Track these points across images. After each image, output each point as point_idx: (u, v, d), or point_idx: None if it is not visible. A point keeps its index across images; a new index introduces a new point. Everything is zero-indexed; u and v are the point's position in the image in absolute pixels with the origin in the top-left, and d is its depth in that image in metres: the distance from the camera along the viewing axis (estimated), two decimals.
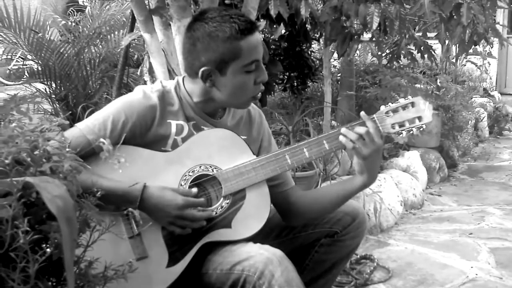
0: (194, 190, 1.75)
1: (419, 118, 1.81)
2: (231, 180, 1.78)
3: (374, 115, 1.82)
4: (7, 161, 1.11)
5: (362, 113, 1.81)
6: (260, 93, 1.85)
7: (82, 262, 1.26)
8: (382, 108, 1.83)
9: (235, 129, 1.92)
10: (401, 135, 1.84)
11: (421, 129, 1.84)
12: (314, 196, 2.02)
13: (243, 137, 1.89)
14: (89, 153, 1.67)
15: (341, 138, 1.79)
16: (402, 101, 1.83)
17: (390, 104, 1.84)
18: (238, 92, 1.79)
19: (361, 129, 1.77)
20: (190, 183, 1.76)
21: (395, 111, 1.82)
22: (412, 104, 1.82)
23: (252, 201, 1.78)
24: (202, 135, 1.82)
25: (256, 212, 1.78)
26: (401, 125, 1.81)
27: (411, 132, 1.83)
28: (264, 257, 1.60)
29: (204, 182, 1.78)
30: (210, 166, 1.78)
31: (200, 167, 1.78)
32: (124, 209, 1.69)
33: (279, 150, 1.84)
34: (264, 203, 1.80)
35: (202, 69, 1.75)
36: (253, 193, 1.79)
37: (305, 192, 2.07)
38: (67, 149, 1.22)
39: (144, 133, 1.77)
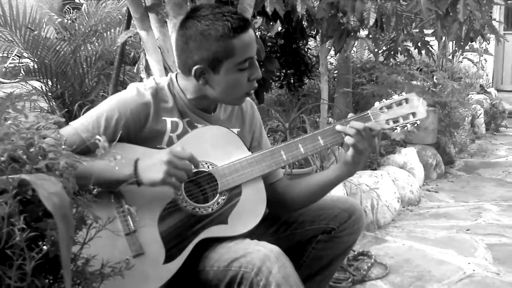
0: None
1: (413, 114, 1.84)
2: (227, 176, 1.78)
3: (369, 111, 1.85)
4: (2, 159, 1.11)
5: (351, 114, 1.84)
6: (253, 89, 1.85)
7: (79, 259, 1.26)
8: (377, 104, 1.86)
9: (228, 122, 1.94)
10: (395, 131, 1.86)
11: (416, 124, 1.86)
12: (298, 188, 2.01)
13: (236, 129, 1.91)
14: (84, 151, 1.67)
15: (338, 128, 1.81)
16: (396, 97, 1.86)
17: (384, 100, 1.87)
18: (231, 90, 1.79)
19: (358, 125, 1.79)
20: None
21: (389, 107, 1.84)
22: (406, 100, 1.84)
23: (248, 197, 1.79)
24: (198, 132, 1.83)
25: (252, 208, 1.78)
26: (395, 121, 1.84)
27: (406, 127, 1.85)
28: (262, 253, 1.60)
29: (199, 179, 1.78)
30: (206, 163, 1.79)
31: None
32: (119, 203, 1.69)
33: (275, 146, 1.84)
34: (260, 199, 1.80)
35: (195, 67, 1.75)
36: (249, 189, 1.79)
37: (290, 182, 2.07)
38: (63, 147, 1.21)
39: (139, 131, 1.77)
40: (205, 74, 1.76)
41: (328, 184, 1.96)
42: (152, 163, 1.64)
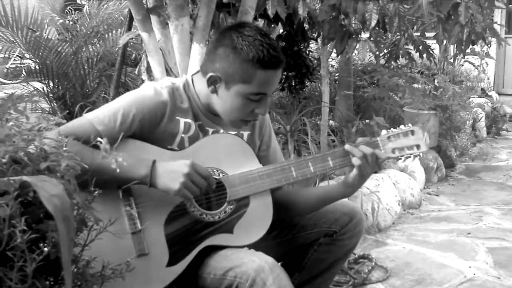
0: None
1: (418, 146, 1.90)
2: (237, 186, 1.78)
3: (378, 138, 1.89)
4: (4, 160, 1.11)
5: (360, 139, 1.88)
6: (253, 121, 1.88)
7: (80, 261, 1.26)
8: (384, 132, 1.91)
9: None
10: (399, 160, 1.92)
11: (418, 156, 1.92)
12: (297, 198, 2.03)
13: (247, 132, 1.91)
14: (96, 144, 1.65)
15: (347, 148, 1.84)
16: (403, 127, 1.91)
17: (392, 129, 1.92)
18: (231, 110, 1.80)
19: (367, 149, 1.82)
20: None
21: (396, 136, 1.90)
22: (412, 132, 1.91)
23: (255, 209, 1.79)
24: (212, 139, 1.84)
25: (258, 220, 1.79)
26: (401, 150, 1.90)
27: (409, 158, 1.91)
28: (256, 264, 1.60)
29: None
30: (217, 170, 1.79)
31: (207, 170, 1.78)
32: (127, 201, 1.69)
33: (286, 162, 1.86)
34: (266, 212, 1.80)
35: (212, 73, 1.76)
36: (256, 201, 1.80)
37: (289, 191, 2.08)
38: (65, 147, 1.21)
39: (153, 129, 1.78)
40: (217, 84, 1.77)
41: (326, 201, 1.98)
42: (171, 171, 1.67)
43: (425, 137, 1.90)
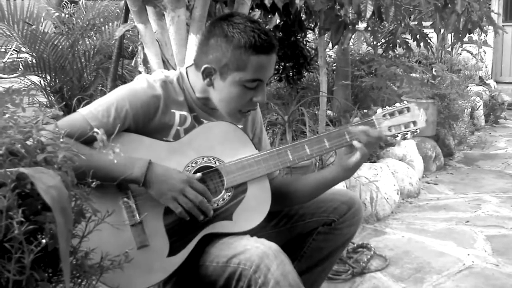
0: (198, 175, 1.75)
1: (414, 123, 1.87)
2: (234, 173, 1.78)
3: (373, 117, 1.86)
4: (1, 152, 1.10)
5: (357, 119, 1.86)
6: (251, 110, 1.86)
7: (79, 252, 1.26)
8: (379, 110, 1.88)
9: None
10: (397, 138, 1.88)
11: (415, 133, 1.89)
12: (294, 186, 2.01)
13: (239, 126, 1.90)
14: (91, 139, 1.64)
15: (345, 130, 1.83)
16: (398, 105, 1.89)
17: (387, 107, 1.89)
18: (229, 101, 1.78)
19: (366, 130, 1.81)
20: (193, 174, 1.76)
21: (392, 114, 1.87)
22: (408, 108, 1.88)
23: (253, 195, 1.79)
24: (206, 127, 1.83)
25: (257, 205, 1.79)
26: (397, 128, 1.87)
27: (406, 135, 1.88)
28: (260, 250, 1.60)
29: (206, 174, 1.78)
30: (213, 158, 1.79)
31: (203, 158, 1.78)
32: (125, 194, 1.70)
33: (282, 146, 1.85)
34: (265, 197, 1.80)
35: (206, 65, 1.75)
36: (254, 187, 1.80)
37: (286, 180, 2.08)
38: (62, 139, 1.21)
39: (147, 123, 1.77)
40: (212, 76, 1.76)
41: (324, 185, 1.96)
42: (165, 181, 1.68)
43: (421, 113, 1.87)
